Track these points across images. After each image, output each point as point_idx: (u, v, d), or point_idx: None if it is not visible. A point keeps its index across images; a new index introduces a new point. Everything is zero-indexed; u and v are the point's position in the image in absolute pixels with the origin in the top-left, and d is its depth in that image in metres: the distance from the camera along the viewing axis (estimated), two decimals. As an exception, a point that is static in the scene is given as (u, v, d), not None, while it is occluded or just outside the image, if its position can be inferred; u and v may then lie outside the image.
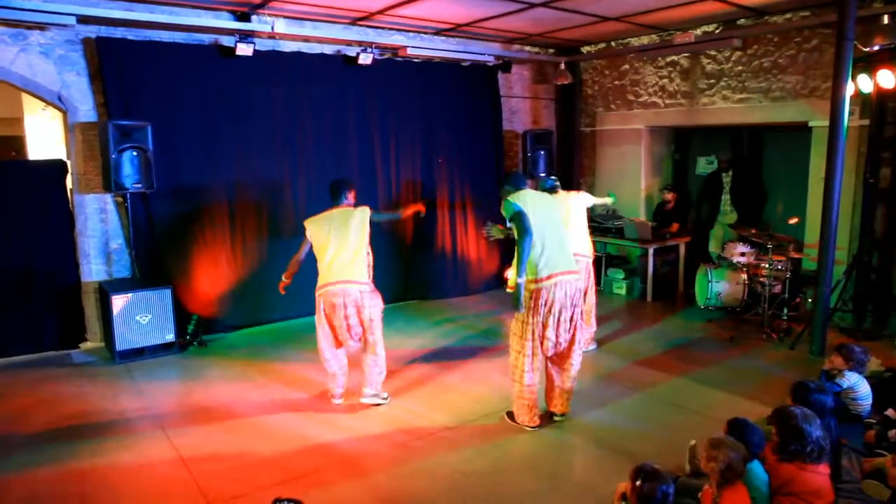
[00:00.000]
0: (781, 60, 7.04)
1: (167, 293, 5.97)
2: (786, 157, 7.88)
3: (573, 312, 4.35)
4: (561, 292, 4.23)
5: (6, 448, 4.25)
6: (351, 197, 4.89)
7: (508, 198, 4.33)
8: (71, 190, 6.14)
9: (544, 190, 5.58)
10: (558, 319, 4.28)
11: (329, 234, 4.68)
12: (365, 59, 7.07)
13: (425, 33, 7.75)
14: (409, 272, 7.94)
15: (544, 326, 4.27)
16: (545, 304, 4.22)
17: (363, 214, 4.79)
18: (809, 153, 6.96)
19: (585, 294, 5.72)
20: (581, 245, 5.75)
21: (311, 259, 4.78)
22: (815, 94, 6.78)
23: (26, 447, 4.26)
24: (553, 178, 6.15)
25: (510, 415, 4.58)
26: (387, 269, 7.57)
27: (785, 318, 6.47)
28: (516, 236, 4.21)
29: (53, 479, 3.86)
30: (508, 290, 4.51)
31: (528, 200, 4.30)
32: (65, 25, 5.56)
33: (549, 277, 4.19)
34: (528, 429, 4.45)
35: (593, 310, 6.05)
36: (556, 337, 4.33)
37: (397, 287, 7.84)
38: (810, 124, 6.86)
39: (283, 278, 4.96)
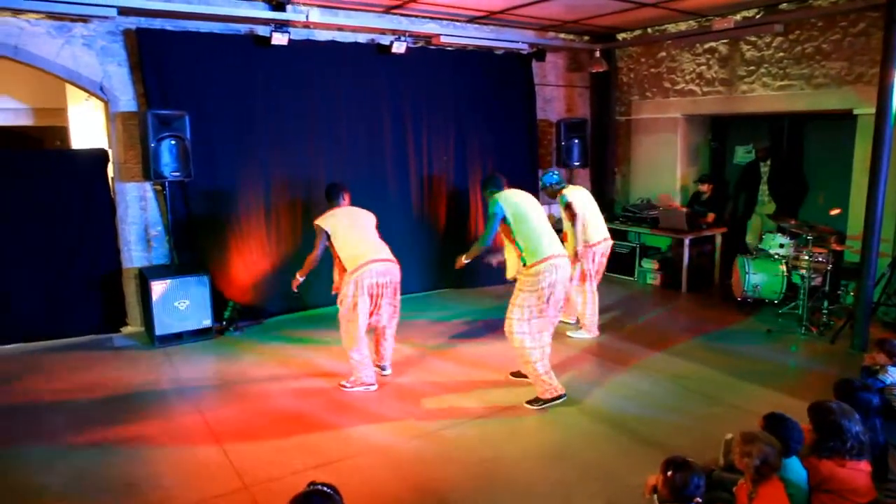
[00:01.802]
0: (825, 46, 6.82)
1: (204, 279, 6.09)
2: (828, 146, 7.65)
3: (564, 293, 4.70)
4: (562, 273, 4.55)
5: (51, 427, 4.41)
6: (347, 198, 5.11)
7: (495, 196, 4.74)
8: (112, 178, 6.29)
9: (545, 186, 6.10)
10: (557, 299, 4.59)
11: (351, 222, 4.92)
12: (398, 47, 7.07)
13: (458, 21, 7.71)
14: (441, 261, 7.94)
15: (547, 305, 4.53)
16: (549, 287, 4.48)
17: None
18: (853, 142, 6.75)
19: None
20: (605, 229, 6.23)
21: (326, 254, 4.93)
22: (862, 80, 6.56)
23: (70, 427, 4.41)
24: (554, 170, 6.32)
25: (533, 401, 4.64)
26: (419, 257, 7.62)
27: (825, 311, 6.31)
28: (485, 228, 4.75)
29: (95, 457, 3.99)
30: (510, 278, 4.98)
31: (511, 198, 4.72)
32: (106, 17, 5.70)
33: (545, 259, 4.47)
34: (558, 401, 4.60)
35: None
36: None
37: (430, 276, 7.87)
38: (855, 112, 6.64)
39: (298, 276, 5.05)
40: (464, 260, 5.00)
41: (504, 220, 4.65)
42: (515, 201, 4.71)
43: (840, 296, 6.63)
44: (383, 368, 5.26)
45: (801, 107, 7.18)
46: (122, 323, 6.46)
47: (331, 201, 5.08)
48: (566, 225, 6.05)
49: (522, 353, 4.60)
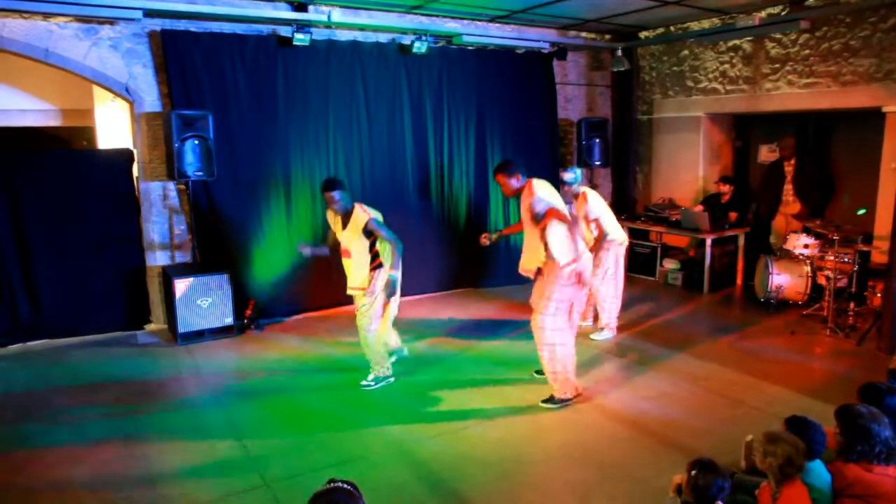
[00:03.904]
0: (854, 42, 6.70)
1: (226, 278, 6.17)
2: (855, 145, 7.51)
3: (588, 290, 4.82)
4: (587, 272, 4.60)
5: (75, 421, 4.50)
6: None
7: (535, 187, 4.56)
8: (137, 177, 6.39)
9: (570, 185, 5.78)
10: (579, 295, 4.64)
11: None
12: (419, 47, 7.08)
13: (480, 20, 7.70)
14: (460, 261, 7.95)
15: (574, 301, 4.57)
16: (579, 282, 4.52)
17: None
18: (881, 140, 6.62)
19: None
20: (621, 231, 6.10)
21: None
22: (891, 77, 6.43)
23: (94, 421, 4.50)
24: (575, 167, 6.17)
25: (548, 400, 4.63)
26: (439, 257, 7.64)
27: (851, 313, 6.20)
28: (549, 226, 4.41)
29: (118, 452, 4.06)
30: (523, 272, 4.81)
31: (549, 194, 4.59)
32: (132, 19, 5.80)
33: (575, 260, 4.48)
34: (573, 402, 4.59)
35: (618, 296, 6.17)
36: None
37: (448, 275, 7.87)
38: (884, 109, 6.51)
39: (390, 272, 4.82)
40: (494, 237, 5.33)
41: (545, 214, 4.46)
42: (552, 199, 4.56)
43: (866, 297, 6.50)
44: (401, 350, 5.29)
45: (827, 105, 7.05)
46: (145, 320, 6.56)
47: (344, 190, 4.76)
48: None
49: (541, 349, 4.60)
